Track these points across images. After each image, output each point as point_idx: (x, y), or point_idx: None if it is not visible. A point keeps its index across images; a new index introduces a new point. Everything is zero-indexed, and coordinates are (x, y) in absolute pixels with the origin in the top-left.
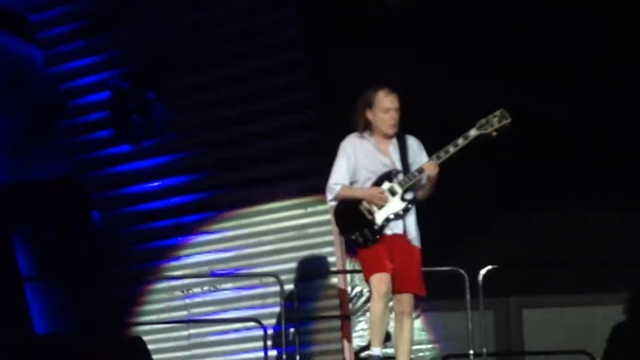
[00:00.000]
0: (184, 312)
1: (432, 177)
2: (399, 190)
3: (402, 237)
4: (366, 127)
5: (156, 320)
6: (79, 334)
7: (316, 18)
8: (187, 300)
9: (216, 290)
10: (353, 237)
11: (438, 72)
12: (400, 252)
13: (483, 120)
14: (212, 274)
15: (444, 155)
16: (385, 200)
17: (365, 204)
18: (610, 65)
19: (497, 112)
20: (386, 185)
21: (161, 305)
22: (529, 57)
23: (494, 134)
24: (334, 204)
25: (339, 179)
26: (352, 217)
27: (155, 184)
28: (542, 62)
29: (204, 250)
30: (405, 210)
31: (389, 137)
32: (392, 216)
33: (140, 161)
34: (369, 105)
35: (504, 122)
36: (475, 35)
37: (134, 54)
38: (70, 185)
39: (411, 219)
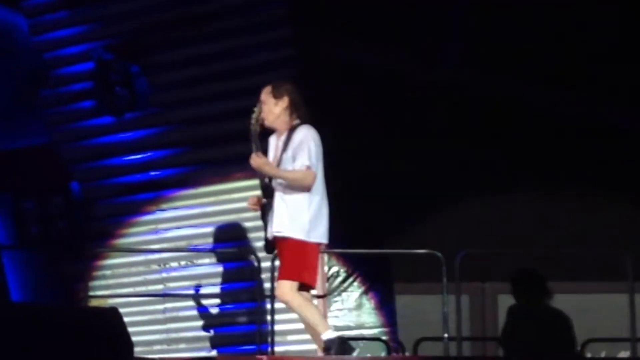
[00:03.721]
0: (161, 286)
1: (257, 168)
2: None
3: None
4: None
5: (132, 293)
6: (54, 303)
7: None
8: (164, 274)
9: (193, 265)
10: None
11: (425, 56)
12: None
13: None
14: (190, 249)
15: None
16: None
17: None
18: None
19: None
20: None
21: (138, 278)
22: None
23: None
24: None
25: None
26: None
27: (136, 156)
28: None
29: (182, 225)
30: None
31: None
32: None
33: (121, 133)
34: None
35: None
36: (463, 21)
37: (119, 26)
38: (51, 156)
39: (277, 213)
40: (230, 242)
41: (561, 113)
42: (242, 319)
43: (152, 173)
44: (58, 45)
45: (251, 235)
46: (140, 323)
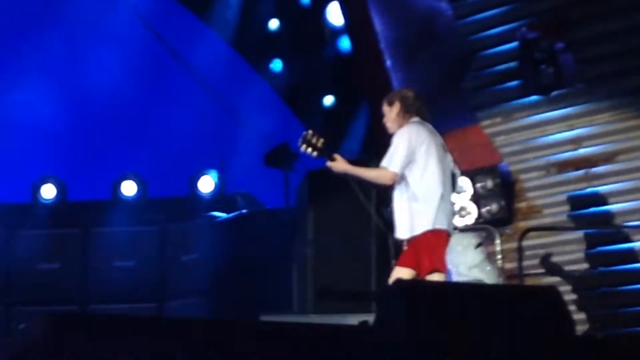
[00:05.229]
0: (595, 264)
1: (338, 172)
2: None
3: None
4: None
5: (567, 271)
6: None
7: None
8: (598, 251)
9: (629, 241)
10: None
11: None
12: None
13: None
14: (625, 225)
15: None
16: None
17: None
18: None
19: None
20: None
21: (571, 257)
22: None
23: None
24: None
25: None
26: None
27: (565, 133)
28: None
29: (616, 201)
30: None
31: None
32: None
33: (548, 111)
34: None
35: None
36: None
37: (543, 3)
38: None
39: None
40: None
41: None
42: None
43: (582, 150)
44: (482, 26)
45: None
46: (576, 301)
